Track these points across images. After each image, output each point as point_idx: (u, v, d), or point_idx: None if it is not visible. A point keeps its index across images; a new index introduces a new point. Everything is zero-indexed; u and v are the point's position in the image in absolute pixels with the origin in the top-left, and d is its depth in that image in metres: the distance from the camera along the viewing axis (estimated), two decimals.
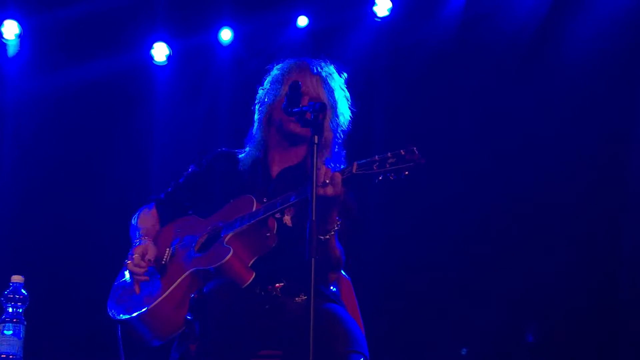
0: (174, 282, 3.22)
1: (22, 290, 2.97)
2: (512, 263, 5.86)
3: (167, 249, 3.43)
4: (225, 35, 6.43)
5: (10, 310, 2.92)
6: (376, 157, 2.99)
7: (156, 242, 3.49)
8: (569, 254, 5.74)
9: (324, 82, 3.46)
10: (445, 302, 5.96)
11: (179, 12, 6.40)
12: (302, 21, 6.38)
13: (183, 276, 3.23)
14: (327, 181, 2.99)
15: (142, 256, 3.37)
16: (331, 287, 3.47)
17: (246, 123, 3.65)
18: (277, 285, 3.27)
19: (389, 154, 2.97)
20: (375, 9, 6.27)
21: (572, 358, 5.68)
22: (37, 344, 3.45)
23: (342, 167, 3.41)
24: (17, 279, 2.98)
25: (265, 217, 3.19)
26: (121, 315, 3.31)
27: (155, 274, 3.36)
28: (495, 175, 5.93)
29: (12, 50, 6.08)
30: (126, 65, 6.36)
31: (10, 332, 2.88)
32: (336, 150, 3.49)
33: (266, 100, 3.54)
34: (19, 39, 6.09)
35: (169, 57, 6.43)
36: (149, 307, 3.20)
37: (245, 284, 3.15)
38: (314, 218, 2.74)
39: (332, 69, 3.54)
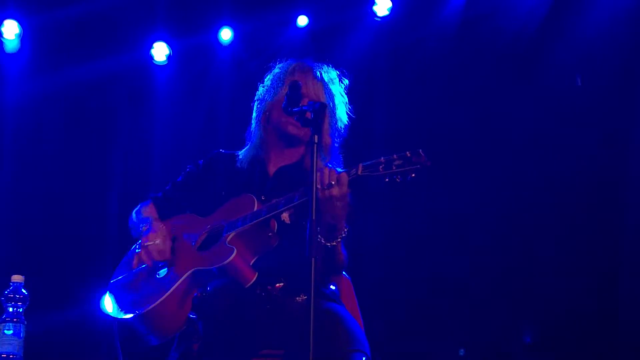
0: (176, 282, 3.20)
1: (23, 289, 2.96)
2: (510, 264, 5.86)
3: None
4: (225, 34, 6.43)
5: (10, 309, 2.92)
6: (382, 158, 2.99)
7: None
8: (567, 255, 5.74)
9: (325, 87, 3.47)
10: (443, 302, 5.97)
11: (179, 12, 6.40)
12: (302, 21, 6.39)
13: (185, 275, 3.21)
14: (333, 182, 2.99)
15: (163, 243, 3.34)
16: (331, 287, 3.47)
17: (246, 123, 3.65)
18: (277, 285, 3.27)
19: (394, 156, 2.97)
20: (375, 8, 6.27)
21: (570, 359, 5.68)
22: (38, 343, 3.44)
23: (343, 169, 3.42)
24: (17, 278, 2.98)
25: (268, 217, 3.19)
26: (122, 314, 3.29)
27: (155, 272, 3.35)
28: (494, 175, 5.94)
29: (11, 47, 6.08)
30: (126, 65, 6.36)
31: (11, 331, 2.87)
32: (335, 151, 3.49)
33: (266, 98, 3.54)
34: (19, 39, 6.09)
35: (169, 57, 6.43)
36: (151, 307, 3.18)
37: (249, 284, 3.14)
38: (314, 217, 2.74)
39: (334, 74, 3.55)
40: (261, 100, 3.57)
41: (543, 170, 5.89)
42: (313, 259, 2.68)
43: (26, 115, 6.13)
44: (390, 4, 6.25)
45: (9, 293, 2.94)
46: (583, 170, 5.78)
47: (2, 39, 6.07)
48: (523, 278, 5.82)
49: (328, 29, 6.40)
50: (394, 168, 2.95)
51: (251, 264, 3.18)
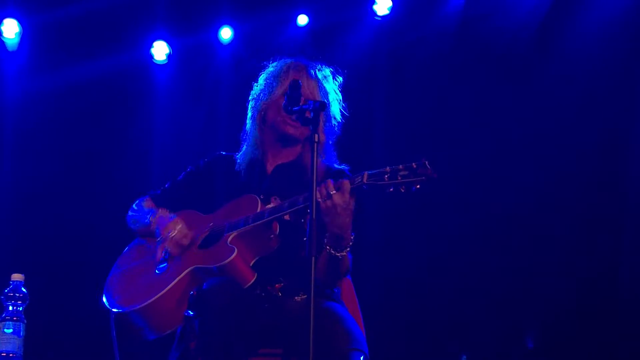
0: (175, 278, 3.21)
1: (22, 288, 2.97)
2: (513, 268, 5.84)
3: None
4: (226, 33, 6.43)
5: (10, 308, 2.92)
6: (387, 168, 2.99)
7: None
8: (569, 260, 5.72)
9: (320, 85, 3.47)
10: (445, 307, 5.95)
11: (179, 11, 6.39)
12: (302, 20, 6.38)
13: (185, 272, 3.22)
14: (332, 192, 2.99)
15: (186, 235, 3.34)
16: None
17: (246, 122, 3.65)
18: (277, 285, 3.27)
19: (400, 166, 2.96)
20: (375, 7, 6.27)
21: None
22: (37, 342, 3.44)
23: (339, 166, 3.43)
24: (17, 277, 2.98)
25: (270, 219, 3.18)
26: (119, 307, 3.29)
27: (155, 267, 3.35)
28: (494, 175, 5.92)
29: (11, 46, 6.08)
30: (126, 64, 6.35)
31: (11, 330, 2.88)
32: (330, 149, 3.49)
33: (261, 97, 3.54)
34: (19, 38, 6.09)
35: (169, 56, 6.43)
36: (149, 301, 3.19)
37: (248, 285, 3.15)
38: (314, 217, 2.74)
39: (327, 71, 3.55)
40: (256, 100, 3.58)
41: (544, 172, 5.87)
42: (313, 258, 2.68)
43: (26, 114, 6.13)
44: (390, 3, 6.24)
45: (8, 292, 2.95)
46: (583, 171, 5.77)
47: (2, 38, 6.06)
48: (526, 283, 5.79)
49: (328, 28, 6.40)
50: (399, 178, 2.95)
51: (251, 264, 3.19)
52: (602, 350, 5.52)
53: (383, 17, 6.29)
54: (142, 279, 3.35)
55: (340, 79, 3.58)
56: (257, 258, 3.21)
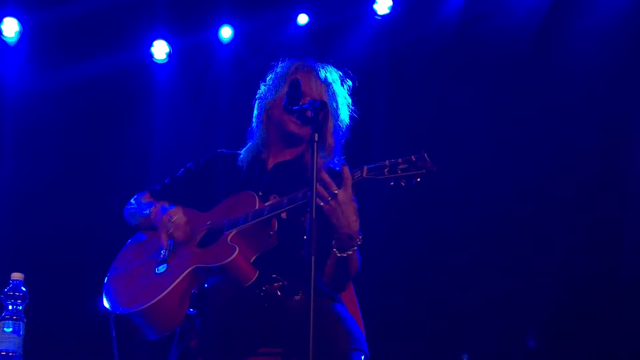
0: (176, 278, 3.19)
1: (22, 287, 2.96)
2: (514, 268, 5.84)
3: (166, 242, 3.39)
4: (226, 33, 6.43)
5: (10, 307, 2.91)
6: (386, 162, 2.97)
7: (152, 233, 3.45)
8: (570, 259, 5.72)
9: (328, 88, 3.46)
10: (446, 306, 5.95)
11: (179, 10, 6.39)
12: (303, 19, 6.38)
13: (185, 272, 3.20)
14: (335, 191, 2.98)
15: (188, 222, 3.33)
16: None
17: (246, 121, 3.65)
18: (276, 284, 3.26)
19: (399, 160, 2.95)
20: (375, 6, 6.27)
21: None
22: (37, 341, 3.44)
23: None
24: (17, 276, 2.98)
25: (270, 216, 3.18)
26: (120, 309, 3.27)
27: (154, 267, 3.34)
28: (494, 175, 5.92)
29: (11, 45, 6.08)
30: (126, 63, 6.36)
31: (10, 329, 2.87)
32: (336, 151, 3.48)
33: (267, 96, 3.54)
34: (19, 37, 6.09)
35: (169, 55, 6.43)
36: (152, 302, 3.16)
37: (250, 282, 3.14)
38: (314, 216, 2.73)
39: (336, 75, 3.54)
40: (262, 99, 3.58)
41: (544, 171, 5.87)
42: (312, 257, 2.68)
43: (26, 113, 6.13)
44: (390, 3, 6.24)
45: (8, 290, 2.94)
46: (584, 171, 5.77)
47: (2, 37, 6.06)
48: (527, 282, 5.79)
49: (328, 27, 6.40)
50: (399, 172, 2.94)
51: (251, 262, 3.18)
52: (603, 350, 5.52)
53: (383, 16, 6.29)
54: (142, 279, 3.33)
55: (349, 82, 3.58)
56: (257, 255, 3.20)
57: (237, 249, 3.13)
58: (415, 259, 6.05)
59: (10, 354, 2.85)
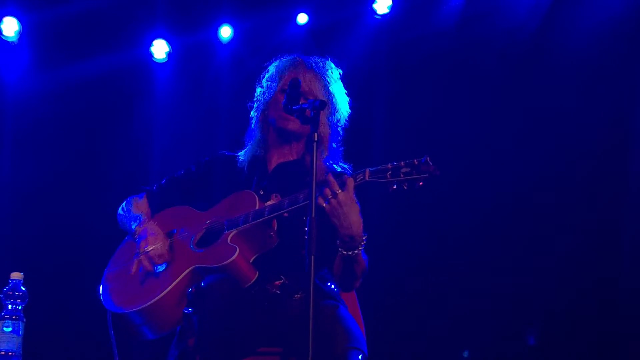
0: (176, 278, 3.19)
1: (22, 287, 2.96)
2: (514, 265, 5.85)
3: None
4: (225, 32, 6.43)
5: (9, 307, 2.91)
6: (389, 165, 2.97)
7: None
8: (570, 256, 5.73)
9: (319, 78, 3.45)
10: (446, 304, 5.96)
11: (179, 10, 6.39)
12: (302, 18, 6.38)
13: (185, 272, 3.20)
14: (338, 191, 2.98)
15: (160, 256, 3.29)
16: (330, 285, 3.46)
17: (246, 121, 3.65)
18: (276, 283, 3.26)
19: (402, 163, 2.95)
20: (375, 6, 6.27)
21: None
22: (36, 340, 3.44)
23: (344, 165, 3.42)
24: (16, 275, 2.98)
25: (271, 217, 3.17)
26: (119, 309, 3.26)
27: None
28: (494, 174, 5.93)
29: (10, 44, 6.07)
30: (126, 62, 6.35)
31: (10, 329, 2.87)
32: (334, 146, 3.47)
33: (262, 98, 3.54)
34: (18, 36, 6.09)
35: (168, 55, 6.43)
36: (151, 302, 3.16)
37: (249, 283, 3.14)
38: (313, 216, 2.73)
39: (327, 64, 3.53)
40: (258, 101, 3.57)
41: (544, 170, 5.88)
42: (312, 257, 2.67)
43: (26, 113, 6.12)
44: (390, 2, 6.24)
45: (8, 290, 2.94)
46: (583, 171, 5.77)
47: (2, 36, 6.06)
48: (527, 280, 5.80)
49: (328, 27, 6.40)
50: (401, 175, 2.93)
51: (250, 262, 3.18)
52: (603, 347, 5.53)
53: (383, 15, 6.28)
54: (140, 278, 3.31)
55: (340, 70, 3.56)
56: (256, 255, 3.20)
57: (238, 249, 3.13)
58: (415, 258, 6.06)
59: (10, 353, 2.85)
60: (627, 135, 5.69)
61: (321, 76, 3.45)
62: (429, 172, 2.90)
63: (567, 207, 5.78)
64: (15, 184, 6.04)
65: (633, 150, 5.63)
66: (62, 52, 6.22)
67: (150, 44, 6.39)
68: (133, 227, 3.45)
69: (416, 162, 2.92)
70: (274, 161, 3.52)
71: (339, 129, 3.49)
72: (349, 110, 3.53)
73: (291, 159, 3.51)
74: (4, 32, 6.05)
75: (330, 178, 3.01)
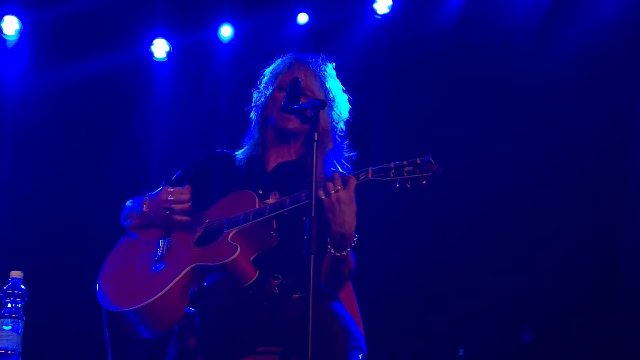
0: (176, 277, 3.17)
1: (21, 285, 2.96)
2: (510, 263, 5.86)
3: (162, 241, 3.38)
4: (226, 31, 6.43)
5: (9, 305, 2.91)
6: (391, 164, 2.97)
7: (146, 231, 3.43)
8: (566, 254, 5.74)
9: (315, 75, 3.44)
10: (442, 302, 5.96)
11: (179, 9, 6.40)
12: (303, 18, 6.38)
13: (185, 271, 3.18)
14: (339, 187, 2.98)
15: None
16: None
17: (246, 120, 3.65)
18: (275, 282, 3.26)
19: (404, 162, 2.95)
20: (375, 6, 6.27)
21: (569, 359, 5.68)
22: (36, 339, 3.44)
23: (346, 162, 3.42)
24: (16, 274, 2.98)
25: (272, 216, 3.17)
26: (117, 307, 3.24)
27: (151, 266, 3.33)
28: (492, 174, 5.93)
29: (11, 43, 6.08)
30: (126, 61, 6.36)
31: (9, 327, 2.87)
32: (337, 140, 3.48)
33: (260, 100, 3.54)
34: (19, 35, 6.09)
35: (169, 54, 6.43)
36: (150, 300, 3.14)
37: (249, 282, 3.13)
38: (313, 215, 2.73)
39: (322, 60, 3.51)
40: (256, 102, 3.57)
41: (542, 170, 5.89)
42: (312, 256, 2.67)
43: (25, 112, 6.13)
44: (390, 2, 6.24)
45: (7, 288, 2.94)
46: (583, 170, 5.78)
47: (2, 35, 6.06)
48: (522, 277, 5.81)
49: (328, 26, 6.40)
50: (404, 174, 2.94)
51: (250, 260, 3.18)
52: (598, 345, 5.53)
53: (383, 15, 6.29)
54: (139, 277, 3.29)
55: (333, 63, 3.56)
56: (256, 254, 3.20)
57: (239, 248, 3.12)
58: (412, 256, 6.06)
59: (9, 352, 2.85)
60: (626, 136, 5.70)
61: (317, 73, 3.45)
62: (432, 170, 2.91)
63: (566, 206, 5.79)
64: (15, 183, 6.05)
65: (633, 150, 5.64)
66: (63, 51, 6.22)
67: (150, 43, 6.39)
68: (141, 205, 3.42)
69: (419, 161, 2.93)
70: (273, 161, 3.52)
71: (341, 123, 3.49)
72: (349, 106, 3.53)
73: (289, 159, 3.51)
74: (5, 31, 6.05)
75: (336, 175, 3.01)
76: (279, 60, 3.56)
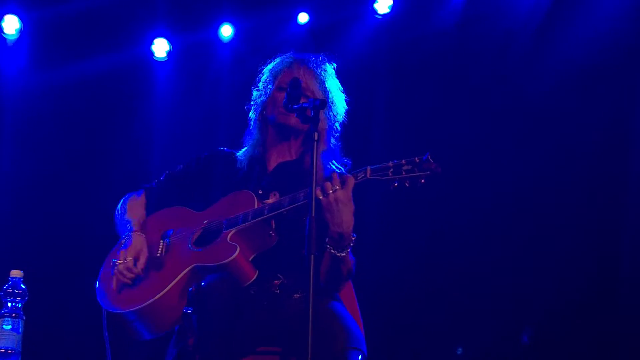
0: (175, 277, 3.18)
1: (21, 284, 2.96)
2: (508, 264, 5.86)
3: (161, 241, 3.38)
4: (226, 31, 6.43)
5: (9, 304, 2.92)
6: (390, 163, 2.98)
7: (145, 231, 3.43)
8: (565, 254, 5.74)
9: (315, 75, 3.45)
10: (442, 302, 5.96)
11: (180, 8, 6.39)
12: (303, 18, 6.38)
13: (184, 272, 3.19)
14: (337, 187, 2.98)
15: (135, 260, 3.27)
16: None
17: (246, 120, 3.65)
18: (275, 282, 3.25)
19: (403, 161, 2.96)
20: (376, 6, 6.27)
21: (567, 359, 5.68)
22: (36, 338, 3.44)
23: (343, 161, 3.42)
24: (16, 273, 2.98)
25: (270, 216, 3.17)
26: (116, 308, 3.25)
27: (151, 267, 3.32)
28: (492, 174, 5.93)
29: (11, 42, 6.08)
30: (126, 61, 6.36)
31: (9, 326, 2.87)
32: (332, 142, 3.47)
33: (259, 98, 3.54)
34: (19, 34, 6.09)
35: (169, 53, 6.43)
36: (149, 302, 3.15)
37: (249, 282, 3.13)
38: (313, 214, 2.73)
39: (322, 61, 3.52)
40: (256, 103, 3.57)
41: (542, 170, 5.89)
42: (312, 256, 2.67)
43: (26, 111, 6.13)
44: (391, 2, 6.24)
45: (7, 288, 2.94)
46: (583, 170, 5.78)
47: (3, 34, 6.06)
48: (521, 277, 5.81)
49: (329, 26, 6.40)
50: (403, 173, 2.95)
51: (250, 260, 3.17)
52: (597, 346, 5.53)
53: (384, 15, 6.28)
54: (139, 279, 3.31)
55: (334, 64, 3.55)
56: (255, 254, 3.19)
57: (238, 248, 3.12)
58: (412, 256, 6.07)
59: (9, 351, 2.85)
60: (627, 136, 5.70)
61: (317, 73, 3.45)
62: (430, 169, 2.92)
63: (566, 206, 5.79)
64: (16, 182, 6.04)
65: (633, 150, 5.64)
66: (63, 50, 6.22)
67: (151, 43, 6.39)
68: (123, 234, 3.43)
69: (418, 160, 2.94)
70: (273, 160, 3.52)
71: (337, 124, 3.49)
72: (346, 107, 3.53)
73: (290, 158, 3.50)
74: (5, 30, 6.05)
75: (334, 175, 3.01)
76: (278, 60, 3.57)
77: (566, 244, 5.74)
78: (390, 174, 2.96)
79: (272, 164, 3.51)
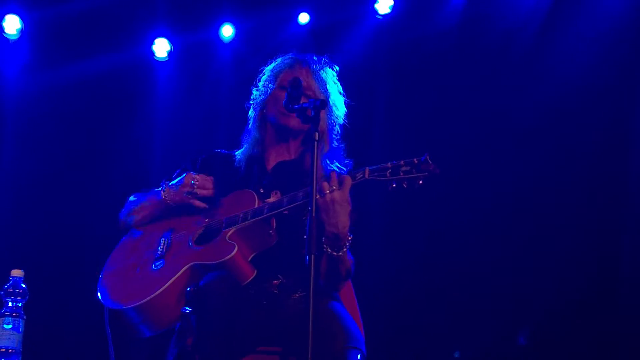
0: (174, 275, 3.19)
1: (22, 284, 2.97)
2: (508, 264, 5.86)
3: (162, 239, 3.40)
4: (227, 31, 6.43)
5: (10, 304, 2.92)
6: (388, 163, 2.98)
7: (147, 230, 3.45)
8: (564, 254, 5.74)
9: (316, 76, 3.45)
10: (440, 301, 5.96)
11: (181, 8, 6.40)
12: (304, 18, 6.39)
13: (184, 269, 3.19)
14: (335, 187, 2.98)
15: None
16: None
17: (246, 120, 3.66)
18: (274, 282, 3.26)
19: (401, 162, 2.96)
20: (376, 6, 6.27)
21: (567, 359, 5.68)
22: (37, 338, 3.44)
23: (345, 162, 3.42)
24: (17, 273, 2.99)
25: (270, 215, 3.17)
26: (117, 305, 3.26)
27: (151, 264, 3.33)
28: (491, 174, 5.93)
29: (12, 42, 6.08)
30: (127, 61, 6.36)
31: (10, 326, 2.88)
32: (334, 144, 3.48)
33: (259, 97, 3.54)
34: (20, 34, 6.09)
35: (170, 53, 6.43)
36: (149, 298, 3.16)
37: (247, 281, 3.14)
38: (314, 214, 2.73)
39: (323, 62, 3.53)
40: (255, 101, 3.57)
41: (542, 170, 5.89)
42: (312, 256, 2.68)
43: (27, 111, 6.13)
44: (391, 2, 6.24)
45: (8, 287, 2.95)
46: (583, 171, 5.78)
47: (4, 34, 6.07)
48: (521, 278, 5.81)
49: (329, 26, 6.40)
50: (401, 174, 2.94)
51: (249, 260, 3.18)
52: (597, 346, 5.53)
53: (384, 15, 6.29)
54: (139, 275, 3.32)
55: (337, 67, 3.56)
56: (255, 254, 3.20)
57: (237, 246, 3.13)
58: (411, 256, 6.07)
59: (10, 350, 2.86)
60: (627, 136, 5.70)
61: (318, 74, 3.46)
62: (428, 170, 2.92)
63: (565, 207, 5.79)
64: (16, 182, 6.05)
65: (633, 150, 5.64)
66: (64, 50, 6.22)
67: (151, 43, 6.40)
68: (159, 193, 3.47)
69: (416, 161, 2.94)
70: (272, 159, 3.53)
71: (337, 125, 3.49)
72: (345, 110, 3.53)
73: (289, 157, 3.51)
74: (6, 30, 6.06)
75: (333, 175, 3.02)
76: (279, 59, 3.57)
77: (566, 244, 5.74)
78: (388, 175, 2.96)
79: (271, 162, 3.52)
